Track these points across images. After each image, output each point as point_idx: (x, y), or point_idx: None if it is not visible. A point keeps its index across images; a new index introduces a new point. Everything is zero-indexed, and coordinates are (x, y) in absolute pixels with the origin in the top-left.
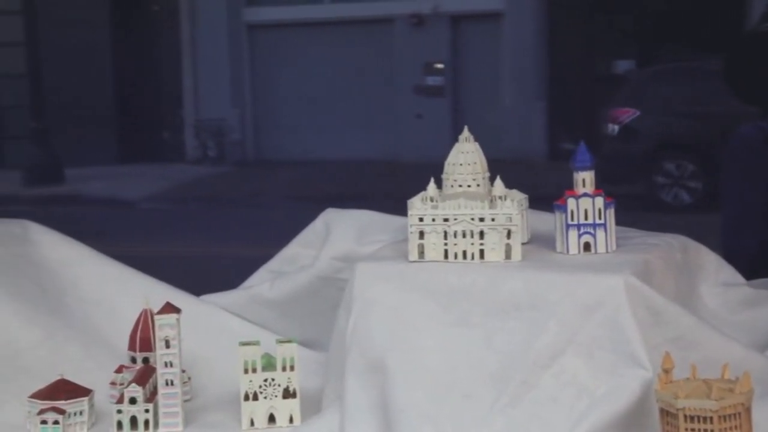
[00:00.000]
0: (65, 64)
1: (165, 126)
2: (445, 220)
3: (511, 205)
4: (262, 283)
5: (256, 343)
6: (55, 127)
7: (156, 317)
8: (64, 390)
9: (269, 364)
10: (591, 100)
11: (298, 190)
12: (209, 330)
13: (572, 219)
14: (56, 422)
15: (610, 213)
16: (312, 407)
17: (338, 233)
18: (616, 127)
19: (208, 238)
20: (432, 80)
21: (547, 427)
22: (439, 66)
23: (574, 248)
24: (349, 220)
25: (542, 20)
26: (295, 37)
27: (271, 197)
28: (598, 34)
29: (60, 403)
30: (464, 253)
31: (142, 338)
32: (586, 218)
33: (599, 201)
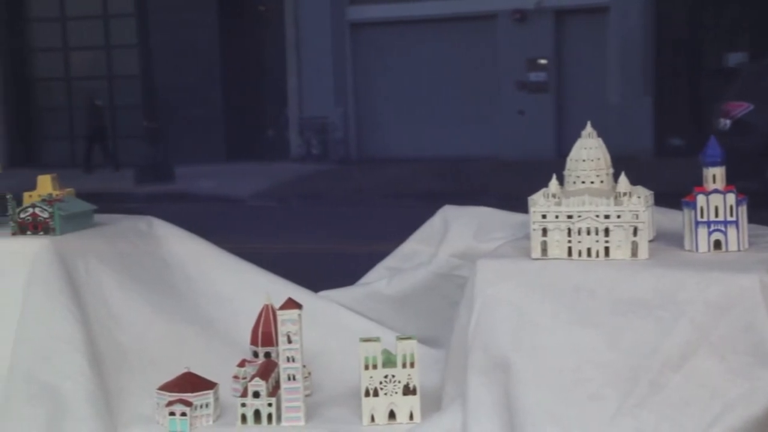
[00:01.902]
0: (175, 66)
1: (270, 125)
2: (569, 217)
3: (638, 201)
4: (380, 279)
5: (376, 340)
6: (166, 127)
7: (278, 313)
8: (190, 383)
9: (389, 361)
10: (700, 95)
11: (400, 187)
12: (328, 326)
13: (702, 216)
14: (184, 414)
15: (743, 210)
16: (431, 404)
17: (456, 230)
18: (728, 122)
19: (314, 235)
20: (535, 76)
21: (678, 430)
22: (543, 62)
23: (703, 246)
24: (466, 217)
25: (649, 13)
26: (397, 35)
27: (374, 194)
28: (707, 26)
29: (187, 396)
30: (589, 251)
31: (264, 333)
32: (716, 215)
33: (731, 197)
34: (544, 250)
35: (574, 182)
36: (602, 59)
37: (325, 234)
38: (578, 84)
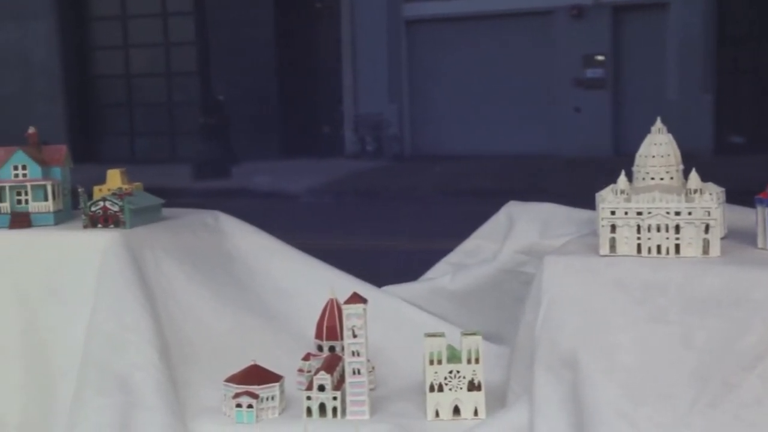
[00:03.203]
0: (231, 62)
1: (325, 121)
2: (639, 213)
3: (710, 198)
4: (443, 275)
5: (441, 335)
6: (222, 123)
7: (344, 307)
8: (256, 375)
9: (453, 357)
10: (762, 92)
11: (455, 184)
12: (391, 321)
13: None
14: (250, 406)
15: None
16: (495, 400)
17: (521, 226)
18: None
19: (370, 232)
20: (592, 73)
21: (750, 430)
22: (600, 58)
23: None
24: (532, 213)
25: (710, 9)
26: (453, 31)
27: (429, 191)
28: None
29: (254, 388)
30: (659, 248)
31: (329, 327)
32: None
33: None
34: (613, 247)
35: (643, 178)
36: (661, 55)
37: (381, 230)
38: (636, 81)
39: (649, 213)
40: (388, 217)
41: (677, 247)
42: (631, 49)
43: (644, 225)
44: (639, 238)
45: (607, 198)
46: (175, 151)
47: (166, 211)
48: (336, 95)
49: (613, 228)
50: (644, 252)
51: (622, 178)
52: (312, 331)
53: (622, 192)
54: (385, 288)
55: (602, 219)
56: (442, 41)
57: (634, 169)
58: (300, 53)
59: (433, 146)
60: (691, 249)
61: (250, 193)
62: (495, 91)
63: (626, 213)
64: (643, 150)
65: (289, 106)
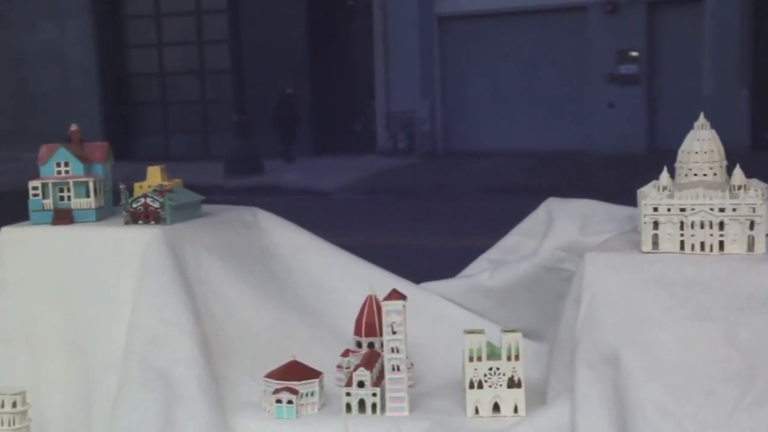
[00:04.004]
0: (265, 60)
1: (357, 118)
2: (682, 210)
3: (755, 194)
4: (482, 272)
5: (480, 332)
6: (255, 120)
7: (383, 303)
8: (296, 371)
9: (493, 353)
10: None
11: (488, 181)
12: (430, 317)
13: None
14: (290, 402)
15: None
16: (534, 398)
17: (561, 223)
18: None
19: (403, 229)
20: (626, 69)
21: None
22: (634, 54)
23: None
24: (571, 210)
25: (747, 2)
26: (485, 28)
27: (462, 189)
28: None
29: (293, 384)
30: (702, 245)
31: (368, 323)
32: None
33: None
34: (656, 244)
35: (686, 175)
36: (696, 50)
37: (414, 228)
38: (671, 76)
39: (693, 210)
40: (421, 215)
41: (721, 244)
42: (666, 44)
43: (687, 222)
44: (682, 235)
45: (649, 194)
46: (208, 148)
47: (204, 208)
48: (368, 92)
49: (656, 225)
50: (687, 249)
51: (665, 175)
52: (350, 327)
53: (665, 188)
54: (423, 285)
55: (644, 215)
56: (475, 38)
57: (677, 165)
58: (332, 51)
59: (466, 143)
60: (735, 246)
61: (282, 189)
62: (528, 87)
63: (669, 209)
64: (685, 146)
65: (322, 103)
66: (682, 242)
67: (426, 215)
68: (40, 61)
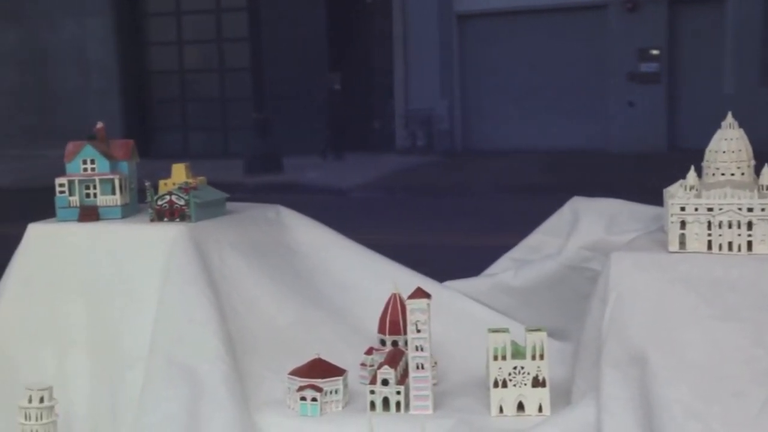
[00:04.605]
0: (283, 58)
1: (376, 116)
2: (710, 209)
3: None
4: (506, 270)
5: (505, 331)
6: (274, 119)
7: (408, 302)
8: (320, 369)
9: (517, 352)
10: None
11: (507, 180)
12: (453, 316)
13: None
14: (314, 399)
15: None
16: (558, 397)
17: (586, 222)
18: None
19: (422, 227)
20: (646, 67)
21: None
22: (655, 52)
23: None
24: (597, 209)
25: None
26: (504, 26)
27: (481, 187)
28: None
29: (318, 382)
30: (730, 245)
31: (392, 321)
32: None
33: None
34: (683, 243)
35: (713, 174)
36: (718, 49)
37: (433, 226)
38: (692, 74)
39: (721, 209)
40: (439, 213)
41: (749, 244)
42: (687, 42)
43: (715, 221)
44: (710, 235)
45: (676, 194)
46: (227, 145)
47: (228, 205)
48: (387, 90)
49: (683, 224)
50: (715, 249)
51: (692, 174)
52: (373, 325)
53: (692, 188)
54: (447, 283)
55: (672, 215)
56: (495, 36)
57: (704, 164)
58: (351, 49)
59: (484, 141)
60: (763, 246)
61: (301, 187)
62: (547, 85)
63: (697, 209)
64: (713, 145)
65: (340, 101)
66: (709, 242)
67: (445, 213)
68: (62, 59)
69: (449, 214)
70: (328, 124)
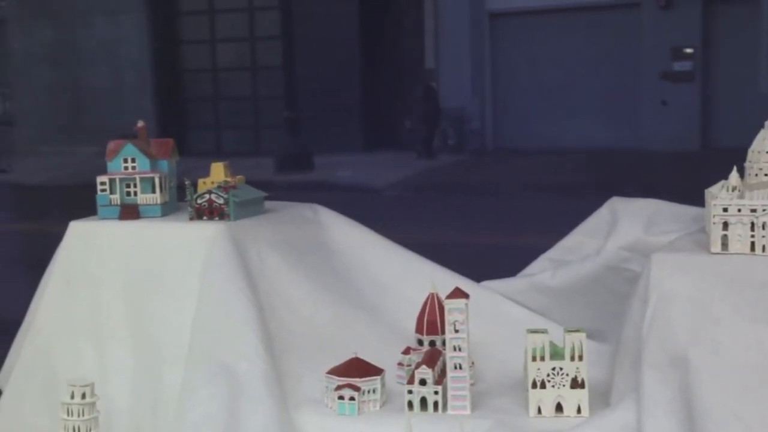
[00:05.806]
0: (315, 57)
1: (407, 115)
2: (753, 210)
3: None
4: (544, 271)
5: (543, 331)
6: (306, 117)
7: (446, 302)
8: (358, 368)
9: (556, 353)
10: None
11: (538, 179)
12: (490, 316)
13: None
14: (352, 398)
15: None
16: (597, 398)
17: (625, 222)
18: None
19: (454, 226)
20: (680, 66)
21: None
22: (688, 51)
23: None
24: (636, 209)
25: None
26: (537, 24)
27: (513, 186)
28: None
29: (355, 381)
30: None
31: (429, 321)
32: None
33: None
34: (725, 245)
35: (756, 174)
36: (753, 47)
37: (466, 225)
38: (726, 73)
39: (764, 210)
40: (471, 212)
41: None
42: (721, 41)
43: (758, 222)
44: (753, 236)
45: (719, 194)
46: (258, 144)
47: (266, 204)
48: (419, 89)
49: (725, 225)
50: (758, 250)
51: (734, 174)
52: (410, 324)
53: (734, 188)
54: (484, 283)
55: (714, 216)
56: (526, 34)
57: (746, 164)
58: (383, 47)
59: (516, 140)
60: None
61: (332, 186)
62: (580, 85)
63: (739, 210)
64: (756, 145)
65: (372, 100)
66: (752, 243)
67: (477, 213)
68: (95, 58)
69: (480, 213)
70: (424, 119)
